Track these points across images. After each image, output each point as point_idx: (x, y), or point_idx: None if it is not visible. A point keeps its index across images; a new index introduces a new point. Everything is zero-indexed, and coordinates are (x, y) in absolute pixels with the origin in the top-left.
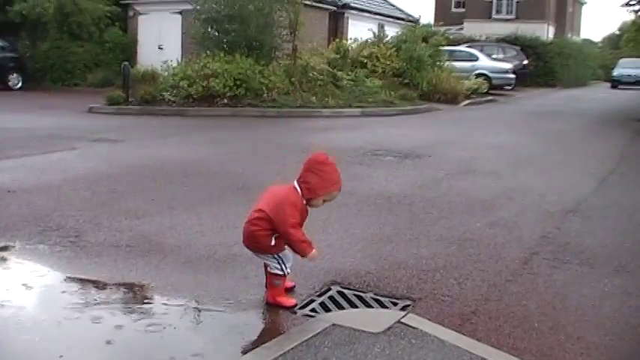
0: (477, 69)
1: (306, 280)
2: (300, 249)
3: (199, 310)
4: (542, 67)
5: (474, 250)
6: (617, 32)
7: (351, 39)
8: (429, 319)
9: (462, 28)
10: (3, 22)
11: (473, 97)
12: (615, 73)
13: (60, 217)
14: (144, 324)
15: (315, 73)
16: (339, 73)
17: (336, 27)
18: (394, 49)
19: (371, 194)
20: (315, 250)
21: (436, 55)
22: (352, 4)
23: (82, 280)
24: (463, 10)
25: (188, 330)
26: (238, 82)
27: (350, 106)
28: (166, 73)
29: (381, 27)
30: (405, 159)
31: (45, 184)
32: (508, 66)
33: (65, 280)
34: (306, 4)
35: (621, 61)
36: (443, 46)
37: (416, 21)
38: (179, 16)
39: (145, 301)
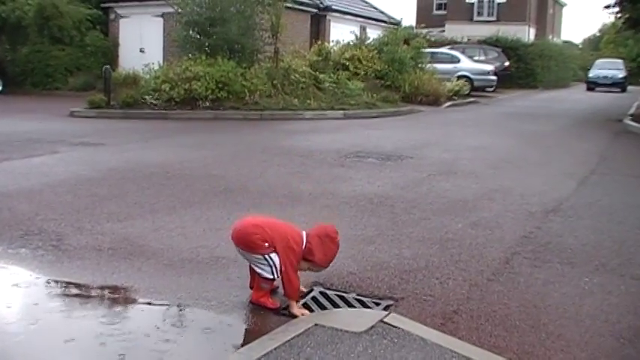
0: (458, 71)
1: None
2: (292, 292)
3: (182, 312)
4: (524, 69)
5: (455, 251)
6: (598, 34)
7: (333, 41)
8: (411, 319)
9: (443, 30)
10: None
11: (455, 99)
12: (591, 74)
13: (42, 221)
14: (127, 326)
15: (297, 76)
16: (321, 76)
17: (318, 29)
18: (376, 51)
19: (353, 196)
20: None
21: (418, 57)
22: (334, 7)
23: (64, 283)
24: (444, 12)
25: (171, 331)
26: (220, 85)
27: (332, 109)
28: (148, 77)
29: (363, 29)
30: (387, 161)
31: (26, 188)
32: (489, 68)
33: (47, 283)
34: (287, 7)
35: (598, 61)
36: (424, 48)
37: (397, 23)
38: (160, 19)
39: (128, 303)
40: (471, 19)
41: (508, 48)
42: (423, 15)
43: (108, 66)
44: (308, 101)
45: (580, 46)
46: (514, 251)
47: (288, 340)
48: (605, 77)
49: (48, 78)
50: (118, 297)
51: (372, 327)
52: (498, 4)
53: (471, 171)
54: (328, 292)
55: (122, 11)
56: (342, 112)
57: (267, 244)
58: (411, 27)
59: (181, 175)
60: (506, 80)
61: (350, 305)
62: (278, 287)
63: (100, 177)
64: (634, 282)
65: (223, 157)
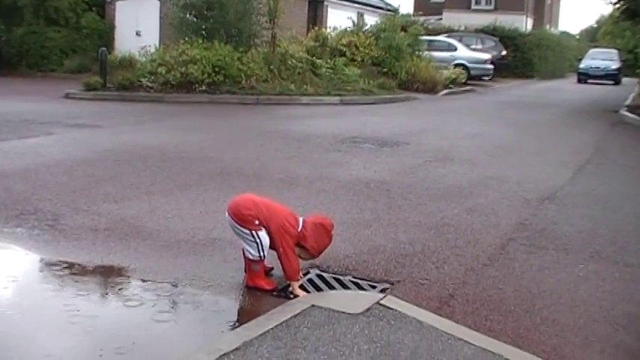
0: (455, 59)
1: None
2: (292, 273)
3: (178, 292)
4: (521, 59)
5: (451, 236)
6: (595, 25)
7: (330, 27)
8: (408, 302)
9: (441, 19)
10: None
11: (451, 87)
12: (582, 65)
13: (37, 200)
14: (122, 306)
15: (294, 61)
16: (318, 61)
17: (316, 15)
18: (373, 37)
19: (349, 180)
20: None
21: (415, 44)
22: None
23: (60, 263)
24: (442, 0)
25: (167, 312)
26: (217, 69)
27: (329, 94)
28: (144, 59)
29: (361, 16)
30: (383, 146)
31: (22, 168)
32: (486, 56)
33: (43, 262)
34: None
35: (591, 51)
36: (422, 35)
37: (395, 10)
38: (157, 2)
39: (124, 283)
40: (468, 8)
41: (505, 37)
42: (421, 3)
43: (104, 48)
44: (304, 86)
45: (577, 37)
46: (510, 237)
47: (285, 321)
48: (598, 68)
49: (43, 60)
50: (114, 277)
51: (369, 309)
52: None
53: (468, 158)
54: (325, 274)
55: None
56: (338, 97)
57: (257, 222)
58: (408, 14)
59: (177, 157)
60: (503, 69)
61: (346, 288)
62: (273, 268)
63: (96, 158)
64: (628, 269)
65: (220, 141)
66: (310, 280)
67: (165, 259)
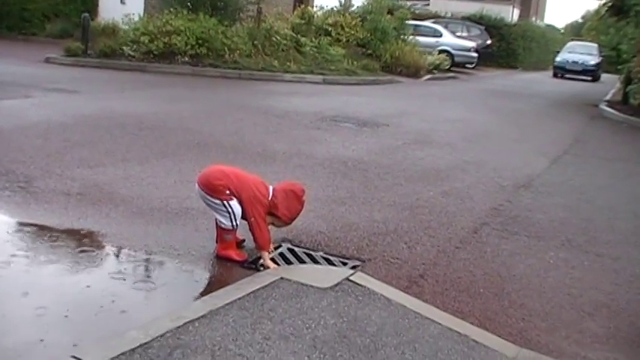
0: (440, 45)
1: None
2: (263, 243)
3: (148, 260)
4: (505, 49)
5: (425, 217)
6: (580, 20)
7: (317, 6)
8: (377, 280)
9: (427, 4)
10: None
11: (434, 73)
12: (559, 58)
13: (10, 162)
14: (90, 271)
15: (279, 38)
16: (303, 39)
17: None
18: (359, 19)
19: (327, 158)
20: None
21: (401, 28)
22: None
23: (30, 225)
24: None
25: (135, 279)
26: (200, 42)
27: (312, 73)
28: (127, 27)
29: None
30: (363, 127)
31: None
32: (471, 44)
33: (12, 224)
34: None
35: (569, 44)
36: (408, 20)
37: None
38: None
39: (93, 248)
40: None
41: (491, 26)
42: None
43: (87, 14)
44: (288, 63)
45: (562, 31)
46: (483, 222)
47: (254, 291)
48: (575, 63)
49: (24, 22)
50: (84, 242)
51: (338, 284)
52: None
53: (447, 142)
54: (296, 249)
55: None
56: (321, 76)
57: (228, 192)
58: None
59: (156, 126)
60: (487, 58)
61: (317, 263)
62: (245, 240)
63: (73, 123)
64: (598, 259)
65: (199, 112)
66: (282, 254)
67: (136, 225)
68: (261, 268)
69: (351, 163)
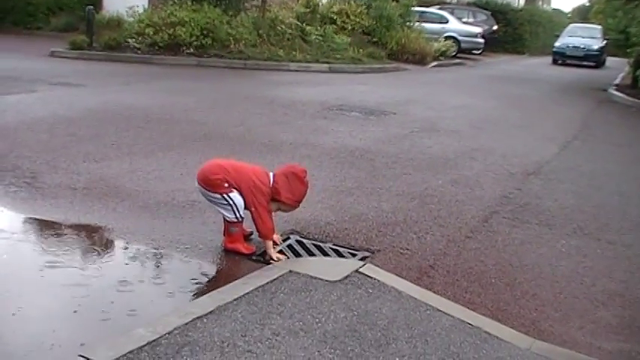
0: (446, 31)
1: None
2: (266, 232)
3: (155, 254)
4: (512, 34)
5: (434, 207)
6: (587, 4)
7: None
8: (388, 271)
9: None
10: None
11: (441, 60)
12: (558, 43)
13: (16, 158)
14: (97, 266)
15: (284, 27)
16: (308, 28)
17: None
18: (364, 6)
19: (334, 148)
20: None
21: (406, 15)
22: None
23: (36, 221)
24: None
25: (142, 273)
26: (205, 32)
27: (317, 62)
28: (132, 20)
29: None
30: (370, 115)
31: (1, 126)
32: (477, 30)
33: (19, 220)
34: None
35: (570, 27)
36: (413, 6)
37: None
38: None
39: (100, 243)
40: None
41: (497, 12)
42: None
43: (91, 7)
44: (293, 53)
45: (569, 15)
46: (493, 210)
47: (262, 286)
48: (576, 48)
49: (29, 17)
50: (90, 237)
51: (347, 276)
52: None
53: (454, 129)
54: (305, 240)
55: None
56: (327, 65)
57: (227, 185)
58: None
59: (161, 119)
60: (494, 44)
61: (326, 255)
62: (252, 233)
63: (78, 117)
64: (610, 246)
65: (205, 104)
66: (290, 246)
67: (143, 220)
68: (269, 260)
69: (358, 153)
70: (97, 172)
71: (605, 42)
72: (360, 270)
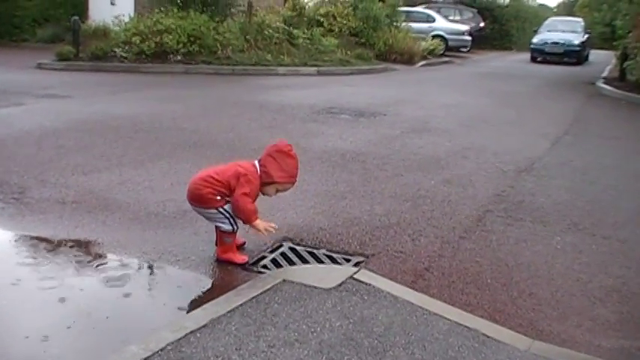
0: (433, 30)
1: (257, 236)
2: (246, 216)
3: (146, 267)
4: (499, 30)
5: (427, 207)
6: None
7: None
8: (382, 276)
9: None
10: None
11: (429, 58)
12: (536, 39)
13: (3, 173)
14: (87, 280)
15: (271, 31)
16: (295, 32)
17: None
18: (351, 8)
19: (325, 151)
20: (260, 220)
21: (393, 15)
22: None
23: (24, 237)
24: None
25: (134, 287)
26: (192, 39)
27: (306, 65)
28: (118, 29)
29: None
30: (360, 117)
31: None
32: (465, 28)
33: (6, 237)
34: None
35: (548, 21)
36: (400, 6)
37: None
38: None
39: (90, 257)
40: None
41: (484, 9)
42: None
43: (77, 17)
44: (281, 57)
45: (555, 10)
46: (487, 209)
47: (255, 296)
48: (556, 44)
49: (15, 29)
50: (80, 251)
51: (342, 283)
52: None
53: (445, 129)
54: (298, 247)
55: None
56: (315, 68)
57: (218, 198)
58: None
59: (150, 128)
60: (481, 41)
61: (320, 262)
62: (245, 243)
63: (66, 128)
64: (605, 241)
65: (194, 111)
66: (283, 254)
67: (133, 232)
68: (264, 270)
69: (349, 156)
70: (86, 185)
71: (586, 36)
72: (355, 276)
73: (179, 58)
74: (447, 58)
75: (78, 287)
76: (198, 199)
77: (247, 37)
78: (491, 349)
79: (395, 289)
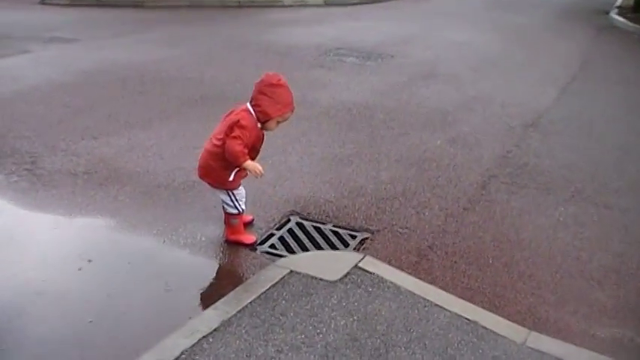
0: None
1: (265, 211)
2: (234, 157)
3: (157, 253)
4: None
5: (433, 173)
6: None
7: None
8: (387, 260)
9: None
10: None
11: None
12: None
13: (14, 138)
14: (96, 264)
15: None
16: None
17: None
18: None
19: (332, 105)
20: (252, 163)
21: None
22: None
23: (39, 216)
24: None
25: (143, 271)
26: None
27: None
28: None
29: None
30: (367, 60)
31: None
32: None
33: (23, 216)
34: None
35: None
36: None
37: None
38: None
39: (101, 239)
40: None
41: None
42: None
43: None
44: None
45: None
46: (491, 174)
47: (264, 292)
48: None
49: None
50: (92, 232)
51: (347, 274)
52: None
53: (453, 73)
54: (305, 222)
55: None
56: None
57: (230, 179)
58: None
59: (156, 79)
60: None
61: (326, 239)
62: (253, 219)
63: (73, 82)
64: (607, 212)
65: (199, 57)
66: (290, 230)
67: (145, 209)
68: (272, 250)
69: (356, 110)
70: (96, 152)
71: None
72: (360, 265)
73: None
74: None
75: (85, 271)
76: (210, 178)
77: None
78: (489, 344)
79: (398, 278)
